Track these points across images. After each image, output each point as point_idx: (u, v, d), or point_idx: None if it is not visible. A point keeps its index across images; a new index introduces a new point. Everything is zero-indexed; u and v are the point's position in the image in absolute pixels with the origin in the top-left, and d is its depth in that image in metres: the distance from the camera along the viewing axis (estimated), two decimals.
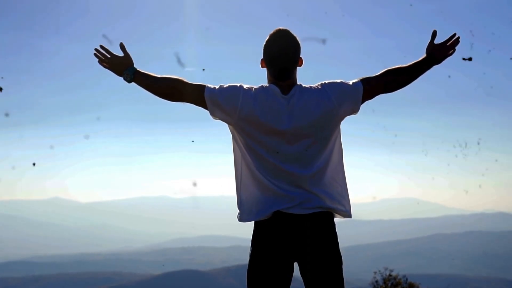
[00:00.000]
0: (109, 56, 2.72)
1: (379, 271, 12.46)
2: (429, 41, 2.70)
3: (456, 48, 2.74)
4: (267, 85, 2.58)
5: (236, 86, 2.57)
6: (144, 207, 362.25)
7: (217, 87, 2.59)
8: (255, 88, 2.56)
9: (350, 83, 2.60)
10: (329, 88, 2.56)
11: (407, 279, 12.61)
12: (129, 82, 2.70)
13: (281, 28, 2.62)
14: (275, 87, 2.54)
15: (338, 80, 2.62)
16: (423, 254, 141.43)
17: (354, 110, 2.60)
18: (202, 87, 2.59)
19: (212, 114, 2.60)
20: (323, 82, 2.60)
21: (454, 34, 2.73)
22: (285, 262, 2.52)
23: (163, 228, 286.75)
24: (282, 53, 2.56)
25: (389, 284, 12.31)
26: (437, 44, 2.70)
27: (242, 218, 2.57)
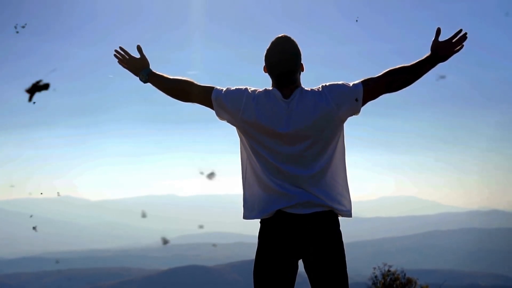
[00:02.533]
0: (127, 57, 2.84)
1: (378, 266, 12.51)
2: (433, 39, 2.61)
3: (464, 43, 2.62)
4: (270, 88, 2.61)
5: (241, 89, 2.62)
6: (152, 205, 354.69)
7: (224, 89, 2.65)
8: (258, 91, 2.60)
9: (351, 84, 2.58)
10: (328, 90, 2.56)
11: (405, 274, 12.49)
12: (144, 82, 2.81)
13: (281, 35, 2.63)
14: (277, 91, 2.57)
15: (340, 82, 2.60)
16: (420, 250, 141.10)
17: (355, 111, 2.58)
18: (210, 89, 2.67)
19: (217, 115, 2.66)
20: (324, 84, 2.60)
21: (460, 30, 2.62)
22: (288, 260, 2.55)
23: (170, 225, 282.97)
24: (281, 59, 2.58)
25: (388, 279, 12.32)
26: (442, 42, 2.61)
27: (245, 215, 2.63)
